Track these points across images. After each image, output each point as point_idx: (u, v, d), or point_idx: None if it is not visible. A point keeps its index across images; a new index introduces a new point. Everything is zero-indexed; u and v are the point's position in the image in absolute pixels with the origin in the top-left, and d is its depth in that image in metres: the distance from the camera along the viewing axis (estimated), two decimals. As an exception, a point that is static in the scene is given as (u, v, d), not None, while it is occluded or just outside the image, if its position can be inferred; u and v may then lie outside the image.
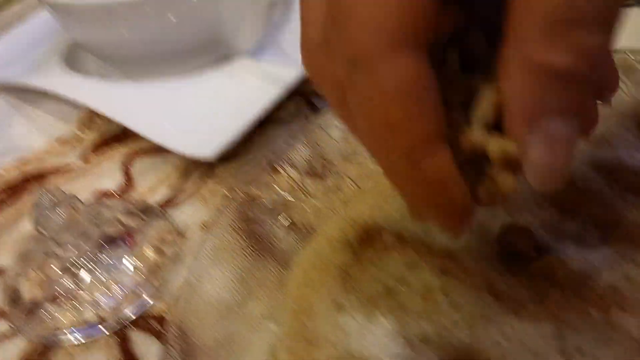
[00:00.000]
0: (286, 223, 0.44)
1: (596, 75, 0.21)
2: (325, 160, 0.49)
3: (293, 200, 0.46)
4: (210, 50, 0.61)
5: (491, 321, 0.34)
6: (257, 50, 0.60)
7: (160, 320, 0.44)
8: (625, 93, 0.49)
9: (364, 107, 0.23)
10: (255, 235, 0.44)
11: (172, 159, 0.56)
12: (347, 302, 0.37)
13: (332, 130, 0.50)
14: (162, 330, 0.43)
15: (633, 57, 0.51)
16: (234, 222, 0.44)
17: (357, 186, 0.47)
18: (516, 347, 0.33)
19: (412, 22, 0.22)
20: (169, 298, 0.45)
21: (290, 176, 0.47)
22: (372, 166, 0.48)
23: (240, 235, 0.44)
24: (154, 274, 0.47)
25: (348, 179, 0.48)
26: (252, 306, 0.41)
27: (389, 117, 0.22)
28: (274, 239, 0.44)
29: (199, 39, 0.59)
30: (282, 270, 0.42)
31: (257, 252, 0.43)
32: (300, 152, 0.49)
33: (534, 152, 0.22)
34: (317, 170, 0.48)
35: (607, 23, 0.20)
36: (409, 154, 0.23)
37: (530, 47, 0.20)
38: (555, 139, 0.22)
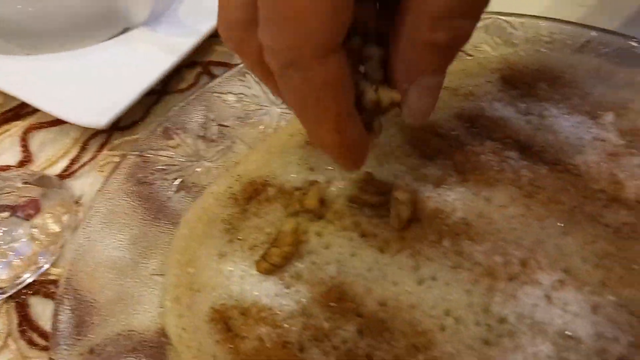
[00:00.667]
0: (177, 184, 0.46)
1: (463, 45, 0.31)
2: (220, 124, 0.51)
3: (185, 162, 0.48)
4: (107, 24, 0.61)
5: (358, 257, 0.37)
6: (154, 21, 0.61)
7: (58, 284, 0.45)
8: (493, 50, 0.53)
9: (297, 93, 0.30)
10: (147, 197, 0.45)
11: (70, 131, 0.57)
12: (230, 251, 0.40)
13: (227, 96, 0.52)
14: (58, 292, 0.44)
15: (504, 19, 0.55)
16: (126, 185, 0.45)
17: (249, 147, 0.49)
18: (379, 279, 0.36)
19: (340, 30, 0.27)
20: (65, 262, 0.46)
21: (184, 140, 0.49)
22: (262, 127, 0.51)
23: (133, 198, 0.45)
24: (51, 241, 0.48)
25: (240, 141, 0.50)
26: (145, 264, 0.42)
27: (319, 102, 0.29)
28: (166, 199, 0.46)
29: (95, 11, 0.59)
30: (173, 228, 0.44)
31: (150, 213, 0.45)
32: (195, 118, 0.51)
33: (411, 98, 0.32)
34: (210, 134, 0.50)
35: (476, 15, 0.29)
36: (336, 125, 0.31)
37: (421, 31, 0.29)
38: (426, 89, 0.32)
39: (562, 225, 0.37)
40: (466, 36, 0.30)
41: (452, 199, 0.39)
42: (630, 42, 0.51)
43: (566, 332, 0.32)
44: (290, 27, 0.27)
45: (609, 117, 0.43)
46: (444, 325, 0.33)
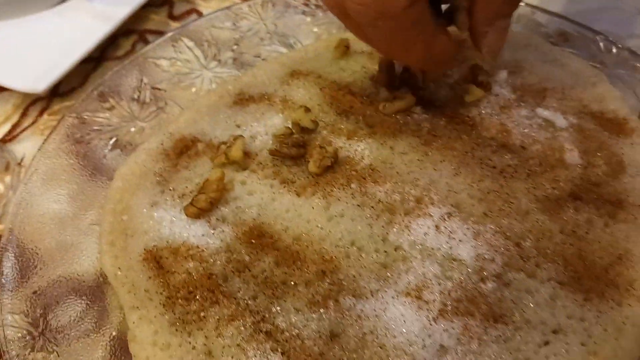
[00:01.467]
0: (112, 143, 0.50)
1: None
2: (153, 88, 0.54)
3: (120, 123, 0.51)
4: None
5: (277, 201, 0.42)
6: (90, -8, 0.63)
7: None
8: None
9: (387, 39, 0.37)
10: (84, 155, 0.49)
11: (10, 98, 0.59)
12: (161, 200, 0.43)
13: (160, 61, 0.56)
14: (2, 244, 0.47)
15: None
16: (65, 145, 0.49)
17: (181, 108, 0.53)
18: (295, 218, 0.41)
19: None
20: (8, 216, 0.49)
21: (118, 103, 0.52)
22: (194, 90, 0.54)
23: (71, 156, 0.48)
24: (-5, 200, 0.51)
25: (173, 102, 0.53)
26: (84, 215, 0.46)
27: (407, 41, 0.37)
28: (102, 157, 0.49)
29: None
30: (109, 183, 0.47)
31: (87, 170, 0.48)
32: (130, 82, 0.54)
33: (491, 38, 0.41)
34: (144, 96, 0.53)
35: None
36: (424, 50, 0.39)
37: None
38: (500, 30, 0.41)
39: (454, 167, 0.42)
40: None
41: (362, 148, 0.44)
42: (529, 9, 0.56)
43: (451, 255, 0.37)
44: None
45: (503, 74, 0.49)
46: (349, 254, 0.38)
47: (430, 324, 0.35)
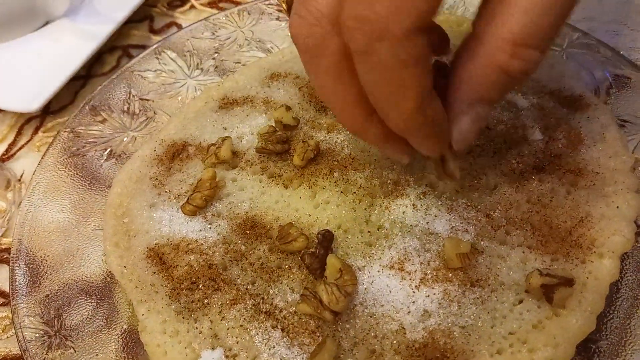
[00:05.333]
0: (107, 153, 0.53)
1: (524, 80, 0.32)
2: (141, 99, 0.57)
3: (112, 134, 0.54)
4: (28, 19, 0.66)
5: (267, 194, 0.45)
6: (73, 12, 0.66)
7: (10, 250, 0.51)
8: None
9: (381, 71, 0.30)
10: (82, 167, 0.52)
11: (5, 119, 0.62)
12: (159, 201, 0.47)
13: (146, 73, 0.59)
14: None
15: None
16: (62, 158, 0.52)
17: (169, 115, 0.56)
18: (284, 209, 0.44)
19: (431, 12, 0.29)
20: (14, 229, 0.52)
21: (109, 115, 0.55)
22: (180, 98, 0.58)
23: (69, 168, 0.51)
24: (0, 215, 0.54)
25: (161, 111, 0.57)
26: (86, 223, 0.49)
27: (403, 81, 0.30)
28: (98, 167, 0.52)
29: (15, 8, 0.64)
30: (108, 191, 0.50)
31: (85, 180, 0.51)
32: (118, 95, 0.57)
33: (464, 122, 0.34)
34: (133, 108, 0.57)
35: (548, 46, 0.31)
36: (418, 103, 0.31)
37: (499, 55, 0.30)
38: (478, 118, 0.34)
39: (427, 151, 0.45)
40: (533, 69, 0.31)
41: (341, 140, 0.47)
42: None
43: (428, 230, 0.41)
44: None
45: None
46: (336, 236, 0.41)
47: (413, 292, 0.38)
